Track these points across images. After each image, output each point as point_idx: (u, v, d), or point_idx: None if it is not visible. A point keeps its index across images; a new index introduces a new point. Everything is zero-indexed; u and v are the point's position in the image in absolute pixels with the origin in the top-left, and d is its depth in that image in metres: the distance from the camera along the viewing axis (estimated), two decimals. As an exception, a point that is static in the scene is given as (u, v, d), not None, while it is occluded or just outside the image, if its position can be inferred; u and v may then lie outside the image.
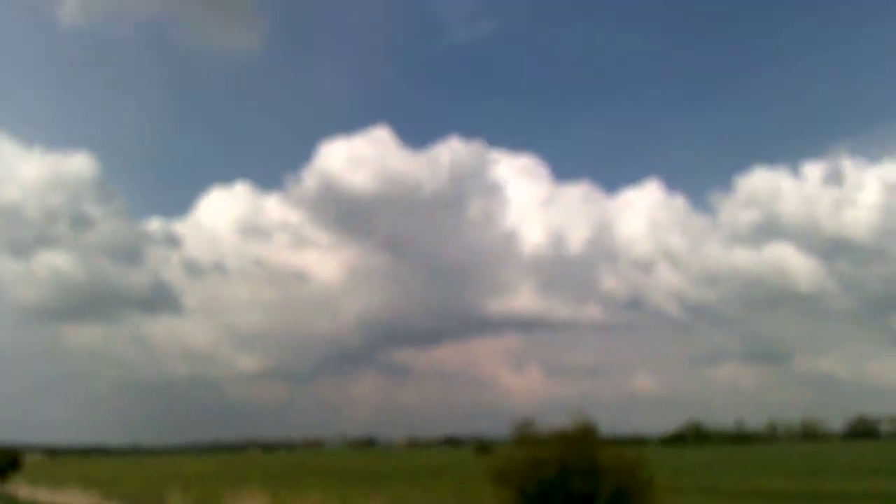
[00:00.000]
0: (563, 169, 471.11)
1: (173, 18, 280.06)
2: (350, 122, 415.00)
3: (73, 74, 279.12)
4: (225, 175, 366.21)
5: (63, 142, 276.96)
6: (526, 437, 16.66)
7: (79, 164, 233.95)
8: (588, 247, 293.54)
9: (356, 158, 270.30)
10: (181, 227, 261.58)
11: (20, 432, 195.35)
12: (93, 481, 44.24)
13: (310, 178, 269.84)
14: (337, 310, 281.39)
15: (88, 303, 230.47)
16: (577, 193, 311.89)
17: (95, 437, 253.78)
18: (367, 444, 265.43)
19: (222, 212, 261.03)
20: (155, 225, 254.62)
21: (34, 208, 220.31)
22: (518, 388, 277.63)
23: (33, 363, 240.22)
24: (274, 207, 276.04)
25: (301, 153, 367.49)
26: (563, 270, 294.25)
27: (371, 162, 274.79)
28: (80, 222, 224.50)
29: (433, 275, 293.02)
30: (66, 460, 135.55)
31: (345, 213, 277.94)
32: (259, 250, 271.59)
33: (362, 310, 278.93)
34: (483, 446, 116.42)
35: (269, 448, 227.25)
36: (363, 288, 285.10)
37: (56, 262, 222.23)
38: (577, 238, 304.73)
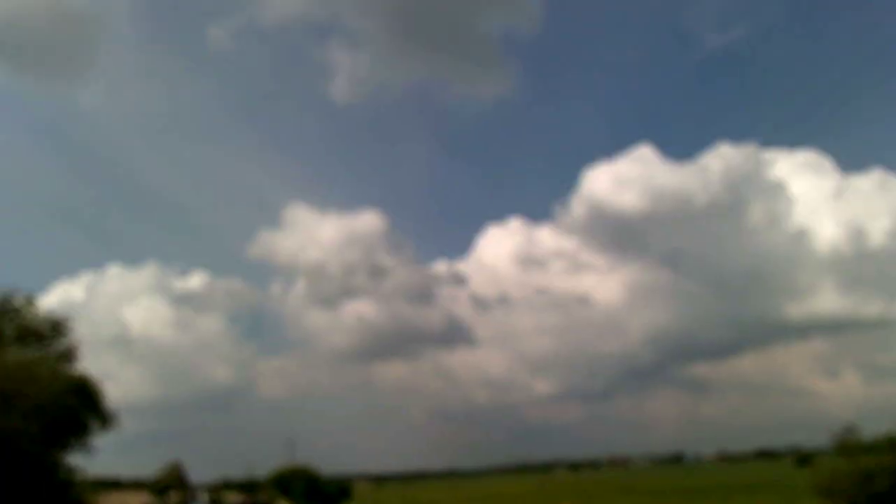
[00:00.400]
0: (850, 159, 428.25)
1: (432, 79, 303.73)
2: (611, 145, 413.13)
3: (352, 142, 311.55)
4: (498, 213, 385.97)
5: (353, 203, 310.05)
6: (850, 447, 14.56)
7: (368, 220, 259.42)
8: (892, 238, 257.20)
9: (622, 179, 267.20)
10: (464, 265, 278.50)
11: (348, 463, 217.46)
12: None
13: (578, 205, 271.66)
14: (622, 329, 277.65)
15: (392, 342, 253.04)
16: (871, 183, 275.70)
17: (416, 464, 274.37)
18: (675, 460, 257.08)
19: (500, 247, 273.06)
20: (441, 266, 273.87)
21: (336, 265, 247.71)
22: (833, 395, 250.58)
23: (351, 400, 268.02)
24: (547, 237, 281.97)
25: (566, 182, 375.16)
26: (866, 265, 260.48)
27: (637, 180, 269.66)
28: (376, 272, 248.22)
29: (718, 285, 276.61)
30: (390, 486, 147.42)
31: (617, 234, 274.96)
32: (538, 279, 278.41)
33: (649, 327, 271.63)
34: (803, 458, 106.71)
35: (574, 467, 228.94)
36: (646, 305, 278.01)
37: (360, 309, 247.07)
38: (878, 229, 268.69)
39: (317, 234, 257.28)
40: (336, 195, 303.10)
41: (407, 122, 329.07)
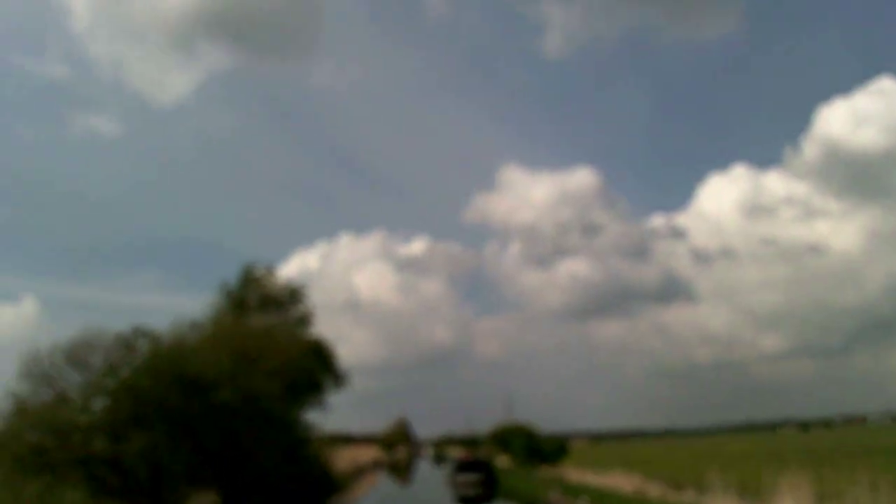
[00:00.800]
0: None
1: (648, 26, 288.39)
2: (848, 79, 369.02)
3: (565, 98, 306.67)
4: (720, 161, 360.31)
5: (565, 161, 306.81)
6: None
7: (581, 177, 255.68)
8: None
9: (861, 115, 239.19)
10: (683, 218, 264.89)
11: (566, 421, 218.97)
12: (632, 463, 46.36)
13: (810, 147, 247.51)
14: (860, 279, 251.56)
15: (607, 300, 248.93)
16: None
17: (632, 422, 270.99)
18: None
19: (722, 197, 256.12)
20: (658, 221, 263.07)
21: (549, 224, 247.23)
22: None
23: (568, 358, 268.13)
24: (775, 183, 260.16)
25: (797, 123, 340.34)
26: None
27: (878, 116, 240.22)
28: (590, 229, 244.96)
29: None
30: (607, 444, 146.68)
31: (855, 176, 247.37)
32: (765, 229, 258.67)
33: (891, 275, 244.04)
34: None
35: (804, 426, 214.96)
36: (888, 252, 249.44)
37: (574, 268, 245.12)
38: None
39: (530, 194, 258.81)
40: (548, 154, 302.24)
41: (621, 73, 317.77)
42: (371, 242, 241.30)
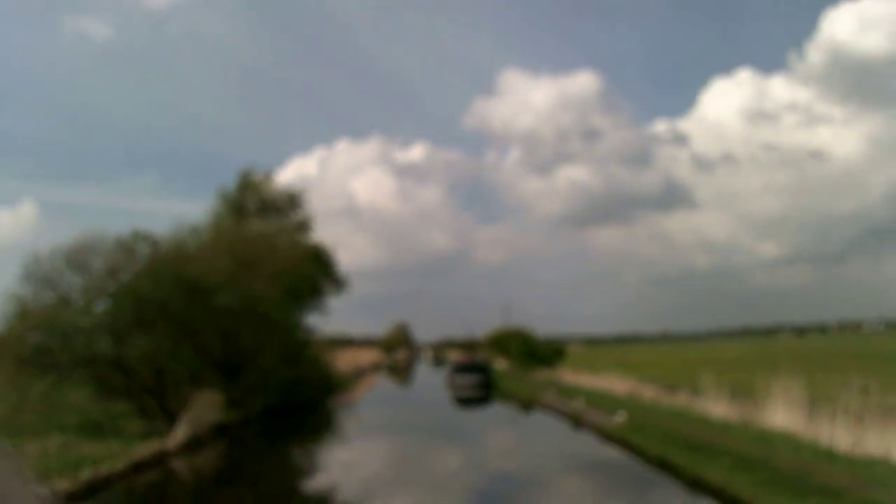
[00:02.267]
0: None
1: None
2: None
3: (564, 0, 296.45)
4: (725, 65, 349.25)
5: (567, 65, 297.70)
6: None
7: (583, 82, 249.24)
8: None
9: (867, 19, 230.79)
10: (686, 124, 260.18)
11: (562, 325, 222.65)
12: (627, 366, 47.35)
13: (815, 52, 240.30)
14: (861, 186, 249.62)
15: (606, 207, 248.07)
16: None
17: (629, 327, 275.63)
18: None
19: (726, 103, 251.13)
20: (660, 126, 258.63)
21: (549, 130, 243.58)
22: None
23: (566, 265, 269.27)
24: (780, 89, 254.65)
25: (803, 27, 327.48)
26: None
27: (885, 20, 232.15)
28: (591, 135, 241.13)
29: None
30: (602, 348, 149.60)
31: (859, 81, 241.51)
32: (768, 135, 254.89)
33: (892, 182, 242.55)
34: None
35: (800, 331, 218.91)
36: (891, 159, 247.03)
37: (573, 174, 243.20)
38: None
39: (530, 99, 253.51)
40: (550, 57, 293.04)
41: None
42: (369, 148, 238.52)
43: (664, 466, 15.65)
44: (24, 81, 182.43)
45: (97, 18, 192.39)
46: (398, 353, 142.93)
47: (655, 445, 17.24)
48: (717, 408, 21.72)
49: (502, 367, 65.60)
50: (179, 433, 20.56)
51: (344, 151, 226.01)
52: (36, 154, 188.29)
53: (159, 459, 18.25)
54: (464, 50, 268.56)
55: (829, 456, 13.95)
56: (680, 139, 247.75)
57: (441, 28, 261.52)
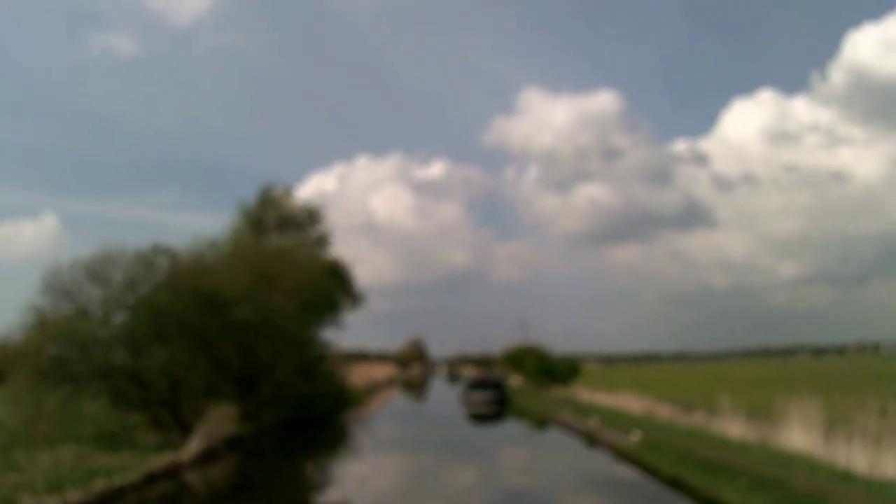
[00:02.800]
0: None
1: None
2: (881, 4, 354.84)
3: (588, 18, 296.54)
4: (746, 86, 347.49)
5: (587, 83, 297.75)
6: None
7: (603, 100, 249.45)
8: None
9: (890, 41, 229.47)
10: (706, 143, 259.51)
11: (579, 343, 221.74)
12: (644, 385, 46.97)
13: (838, 73, 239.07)
14: (883, 207, 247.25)
15: (625, 226, 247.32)
16: None
17: (645, 346, 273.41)
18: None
19: (747, 123, 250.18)
20: (681, 146, 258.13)
21: (568, 148, 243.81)
22: None
23: (583, 283, 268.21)
24: (801, 110, 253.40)
25: (825, 47, 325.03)
26: None
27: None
28: (610, 154, 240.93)
29: None
30: (619, 367, 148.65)
31: (882, 103, 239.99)
32: (789, 156, 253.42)
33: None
34: None
35: (818, 352, 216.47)
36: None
37: (592, 192, 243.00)
38: None
39: (549, 117, 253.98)
40: (570, 76, 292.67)
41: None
42: (388, 165, 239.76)
43: (679, 486, 15.52)
44: (49, 94, 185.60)
45: (123, 34, 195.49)
46: (413, 368, 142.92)
47: (670, 465, 17.09)
48: (734, 428, 21.50)
49: (517, 384, 65.37)
50: (194, 445, 20.67)
51: (363, 168, 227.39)
52: (58, 166, 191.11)
53: (173, 471, 18.35)
54: (485, 68, 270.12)
55: (846, 478, 13.78)
56: (700, 159, 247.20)
57: (462, 46, 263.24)
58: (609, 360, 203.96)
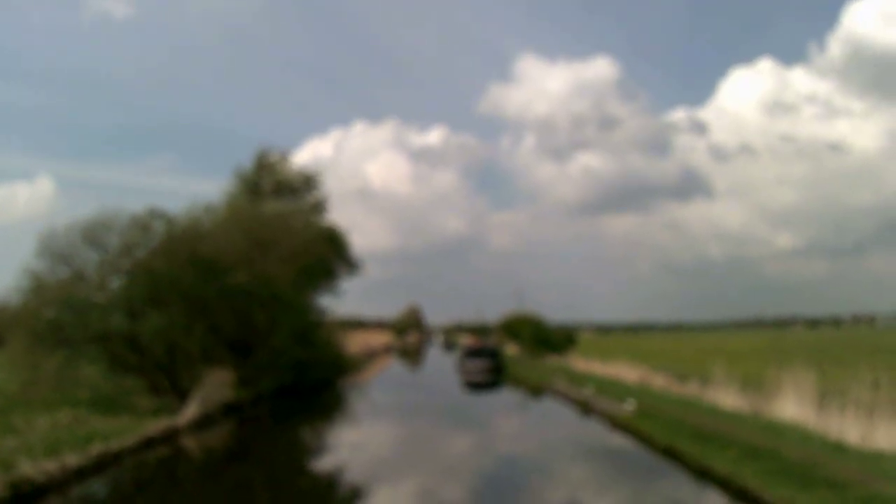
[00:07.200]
0: None
1: None
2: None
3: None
4: (745, 55, 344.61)
5: (584, 50, 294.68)
6: None
7: (600, 68, 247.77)
8: None
9: (889, 13, 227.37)
10: (705, 113, 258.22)
11: (574, 312, 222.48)
12: (639, 354, 47.31)
13: (836, 44, 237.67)
14: (880, 179, 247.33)
15: (622, 195, 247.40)
16: None
17: (640, 315, 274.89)
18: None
19: (745, 93, 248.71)
20: (679, 115, 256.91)
21: (565, 116, 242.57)
22: None
23: (579, 251, 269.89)
24: (800, 80, 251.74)
25: (824, 19, 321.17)
26: None
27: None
28: (607, 123, 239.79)
29: None
30: (614, 336, 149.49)
31: (880, 74, 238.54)
32: (786, 127, 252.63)
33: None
34: None
35: (813, 324, 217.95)
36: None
37: (589, 161, 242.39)
38: None
39: (546, 85, 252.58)
40: (567, 43, 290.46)
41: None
42: (385, 131, 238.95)
43: (672, 455, 15.65)
44: (46, 58, 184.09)
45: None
46: (410, 336, 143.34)
47: (664, 434, 17.22)
48: (728, 398, 21.68)
49: (513, 353, 65.68)
50: (190, 410, 20.77)
51: (360, 134, 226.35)
52: (55, 130, 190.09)
53: (170, 436, 18.45)
54: (481, 35, 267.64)
55: (838, 449, 13.89)
56: (698, 128, 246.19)
57: (459, 13, 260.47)
58: (605, 330, 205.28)
